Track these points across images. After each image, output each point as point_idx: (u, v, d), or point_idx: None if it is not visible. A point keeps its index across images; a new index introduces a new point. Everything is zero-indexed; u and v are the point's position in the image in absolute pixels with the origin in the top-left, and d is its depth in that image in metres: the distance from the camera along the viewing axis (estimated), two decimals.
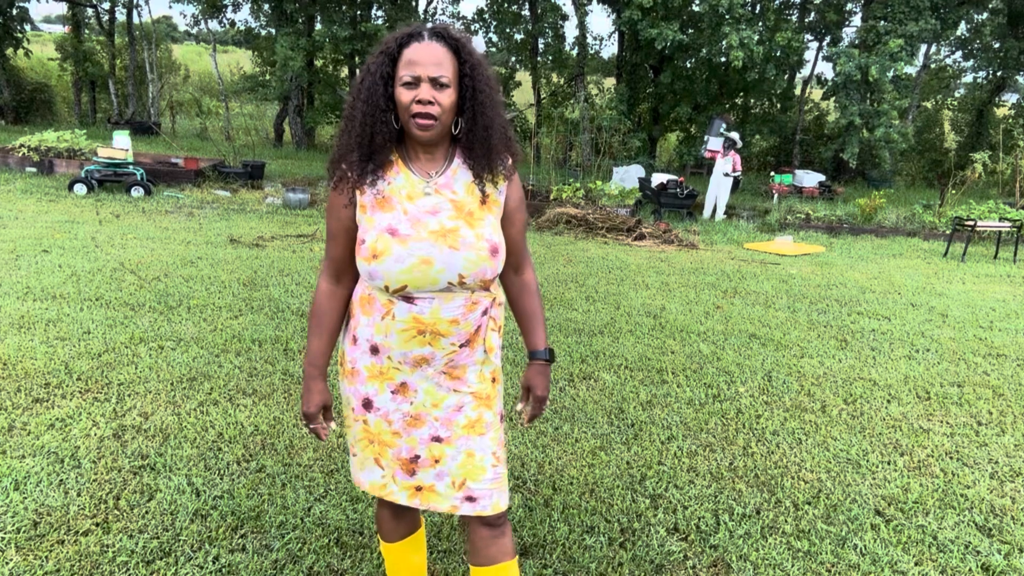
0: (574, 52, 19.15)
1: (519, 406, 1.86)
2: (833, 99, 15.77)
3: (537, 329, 1.81)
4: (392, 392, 1.67)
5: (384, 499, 1.82)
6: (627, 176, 13.62)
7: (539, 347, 1.81)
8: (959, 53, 21.68)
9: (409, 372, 1.65)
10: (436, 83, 1.51)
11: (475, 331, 1.65)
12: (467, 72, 1.54)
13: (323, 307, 1.71)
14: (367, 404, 1.70)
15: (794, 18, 18.71)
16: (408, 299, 1.59)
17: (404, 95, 1.52)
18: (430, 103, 1.51)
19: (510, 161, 1.66)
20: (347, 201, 1.62)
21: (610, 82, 21.46)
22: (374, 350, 1.66)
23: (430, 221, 1.57)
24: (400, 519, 1.89)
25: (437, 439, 1.68)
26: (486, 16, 20.78)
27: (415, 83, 1.51)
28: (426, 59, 1.50)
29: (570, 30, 57.95)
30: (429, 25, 1.56)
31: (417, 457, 1.69)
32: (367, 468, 1.75)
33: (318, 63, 20.84)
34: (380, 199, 1.59)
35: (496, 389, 1.75)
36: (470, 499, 1.69)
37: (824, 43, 18.29)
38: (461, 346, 1.64)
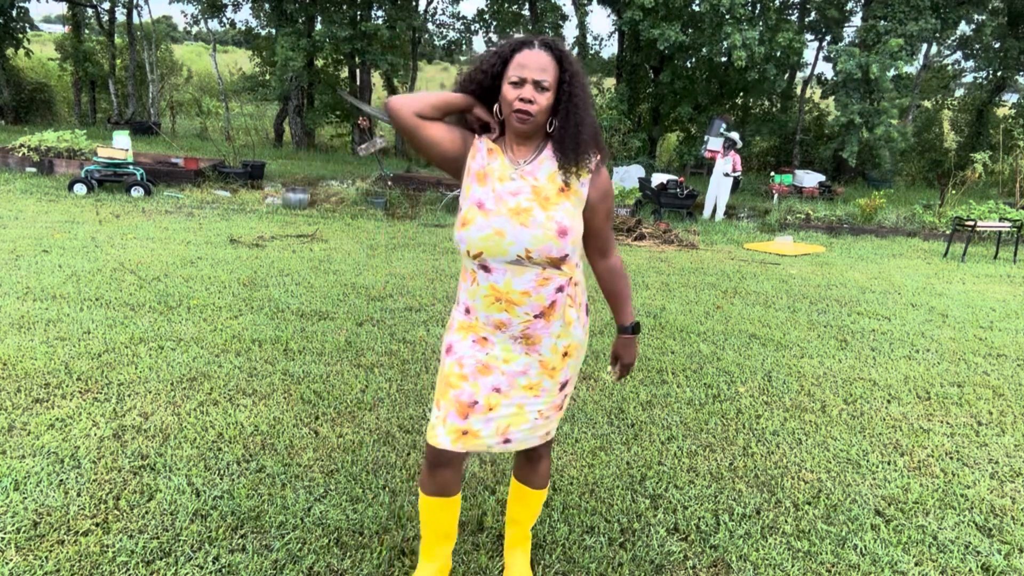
0: (574, 52, 19.12)
1: (609, 369, 2.07)
2: (833, 97, 15.77)
3: (624, 307, 2.09)
4: (473, 341, 1.95)
5: (430, 445, 1.99)
6: (627, 176, 13.62)
7: (625, 322, 2.10)
8: (959, 53, 21.67)
9: (492, 332, 1.94)
10: (539, 86, 1.79)
11: (549, 305, 1.90)
12: (566, 79, 1.82)
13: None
14: (448, 349, 1.98)
15: (794, 18, 18.70)
16: (486, 268, 1.87)
17: (510, 92, 1.80)
18: (530, 102, 1.79)
19: (597, 157, 1.90)
20: (463, 138, 1.92)
21: (610, 82, 21.44)
22: (467, 311, 1.97)
23: (510, 200, 1.85)
24: (436, 472, 2.00)
25: (497, 390, 1.94)
26: (486, 16, 20.77)
27: (521, 83, 1.79)
28: (533, 64, 1.79)
29: (570, 30, 57.94)
30: (540, 37, 1.85)
31: (475, 403, 1.93)
32: (432, 410, 1.98)
33: (318, 63, 20.82)
34: (481, 173, 1.89)
35: (565, 362, 2.00)
36: (507, 441, 1.99)
37: (824, 42, 18.29)
38: (536, 317, 1.90)
